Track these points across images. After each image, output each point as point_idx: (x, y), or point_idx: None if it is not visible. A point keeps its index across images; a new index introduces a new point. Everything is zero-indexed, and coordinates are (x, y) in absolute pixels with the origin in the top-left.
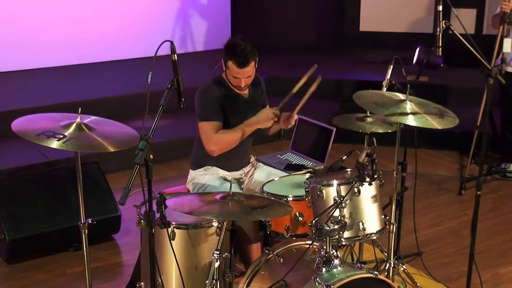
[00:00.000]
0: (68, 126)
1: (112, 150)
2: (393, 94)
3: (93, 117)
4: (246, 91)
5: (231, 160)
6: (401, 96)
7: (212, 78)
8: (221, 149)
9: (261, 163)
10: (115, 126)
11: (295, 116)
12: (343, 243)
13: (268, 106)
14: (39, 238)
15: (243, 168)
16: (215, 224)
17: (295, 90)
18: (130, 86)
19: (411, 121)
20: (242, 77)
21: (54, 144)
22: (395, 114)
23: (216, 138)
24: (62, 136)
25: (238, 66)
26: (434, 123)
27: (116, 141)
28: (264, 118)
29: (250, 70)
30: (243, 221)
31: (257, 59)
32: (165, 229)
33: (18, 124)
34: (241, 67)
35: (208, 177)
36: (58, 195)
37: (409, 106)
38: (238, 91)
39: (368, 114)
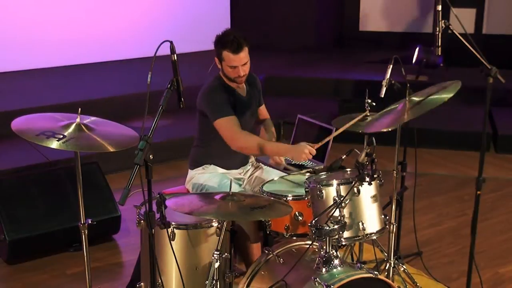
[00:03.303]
0: (67, 126)
1: (111, 150)
2: (393, 106)
3: (92, 118)
4: (244, 89)
5: (230, 158)
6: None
7: (212, 78)
8: (242, 148)
9: (261, 163)
10: (114, 126)
11: (281, 165)
12: (343, 243)
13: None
14: (39, 239)
15: (242, 167)
16: (215, 224)
17: (338, 132)
18: (130, 86)
19: (422, 109)
20: (239, 64)
21: (54, 144)
22: (405, 114)
23: (241, 135)
24: (61, 136)
25: (233, 52)
26: (442, 97)
27: (115, 141)
28: (299, 153)
29: (245, 56)
30: (243, 221)
31: (249, 47)
32: (165, 229)
33: (18, 123)
34: (236, 52)
35: (208, 175)
36: (58, 195)
37: (412, 100)
38: (236, 87)
39: (368, 114)
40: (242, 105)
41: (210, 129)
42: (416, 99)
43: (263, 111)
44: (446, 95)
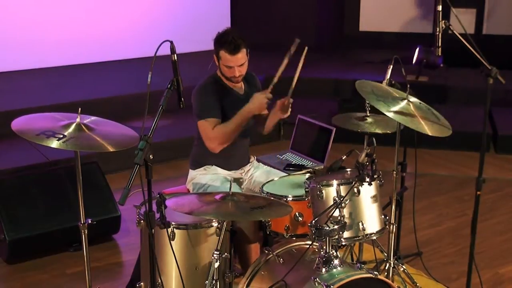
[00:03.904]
0: (68, 126)
1: (111, 150)
2: (395, 91)
3: (93, 118)
4: (242, 88)
5: (230, 159)
6: (402, 95)
7: (207, 76)
8: (220, 143)
9: (261, 163)
10: (114, 126)
11: (291, 100)
12: (343, 243)
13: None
14: (39, 238)
15: (243, 167)
16: (215, 224)
17: (282, 68)
18: (130, 86)
19: (404, 121)
20: (235, 65)
21: (54, 143)
22: (391, 112)
23: (213, 134)
24: (61, 136)
25: (230, 52)
26: (426, 129)
27: (115, 141)
28: (258, 103)
29: (242, 57)
30: (242, 221)
31: (249, 50)
32: (165, 229)
33: (18, 123)
34: (233, 53)
35: (209, 177)
36: (58, 195)
37: (405, 106)
38: (233, 85)
39: (368, 114)
40: (239, 103)
41: None
42: (411, 109)
43: None
44: (429, 130)
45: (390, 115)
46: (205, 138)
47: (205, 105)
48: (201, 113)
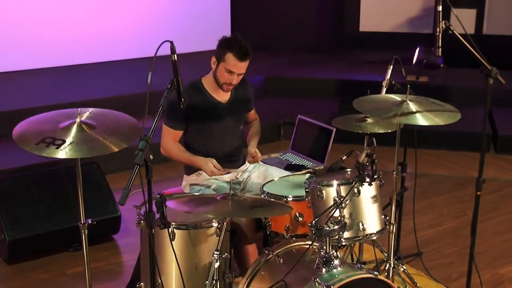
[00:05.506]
0: (68, 128)
1: (116, 150)
2: (393, 96)
3: (91, 109)
4: (226, 96)
5: (221, 163)
6: (401, 97)
7: (188, 82)
8: (165, 155)
9: (261, 162)
10: (115, 118)
11: (258, 155)
12: (343, 244)
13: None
14: (39, 238)
15: (237, 170)
16: (215, 224)
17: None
18: (130, 86)
19: (412, 120)
20: (238, 72)
21: (54, 153)
22: (396, 115)
23: (166, 145)
24: (61, 142)
25: (239, 58)
26: (437, 120)
27: (119, 136)
28: (208, 169)
29: (245, 66)
30: (241, 220)
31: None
32: (165, 229)
33: (18, 131)
34: (242, 59)
35: (205, 183)
36: (58, 195)
37: (410, 106)
38: (216, 93)
39: (368, 115)
40: (218, 112)
41: (187, 133)
42: (413, 107)
43: (252, 114)
44: (439, 120)
45: (397, 120)
46: (161, 140)
47: (173, 113)
48: (167, 118)
